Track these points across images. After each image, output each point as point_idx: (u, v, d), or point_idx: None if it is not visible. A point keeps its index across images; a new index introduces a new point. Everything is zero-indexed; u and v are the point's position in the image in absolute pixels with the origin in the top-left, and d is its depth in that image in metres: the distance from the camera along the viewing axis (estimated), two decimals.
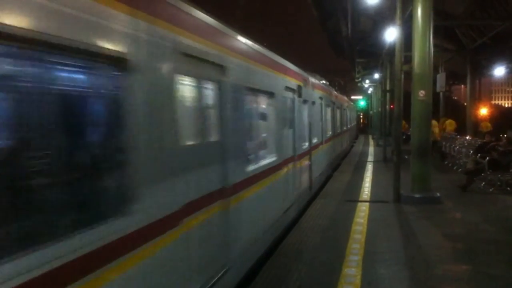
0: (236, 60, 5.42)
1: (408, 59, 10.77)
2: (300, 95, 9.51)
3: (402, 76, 11.07)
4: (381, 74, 28.63)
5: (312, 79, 11.96)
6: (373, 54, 27.83)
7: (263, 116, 7.34)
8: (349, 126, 27.75)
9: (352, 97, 51.88)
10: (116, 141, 3.05)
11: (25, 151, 2.39)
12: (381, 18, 18.98)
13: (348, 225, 8.21)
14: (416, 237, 7.50)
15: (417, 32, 10.12)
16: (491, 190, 11.67)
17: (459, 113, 32.33)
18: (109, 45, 2.86)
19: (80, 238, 2.52)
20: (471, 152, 14.22)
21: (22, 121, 2.36)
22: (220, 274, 4.63)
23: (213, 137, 4.80)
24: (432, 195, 10.31)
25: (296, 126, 9.29)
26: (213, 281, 4.44)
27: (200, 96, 4.49)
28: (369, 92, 48.79)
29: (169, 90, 3.70)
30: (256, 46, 6.61)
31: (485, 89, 60.06)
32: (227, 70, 4.99)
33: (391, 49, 15.86)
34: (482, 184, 12.03)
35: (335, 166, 17.34)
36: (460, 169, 14.90)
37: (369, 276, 5.66)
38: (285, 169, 8.09)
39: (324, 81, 16.29)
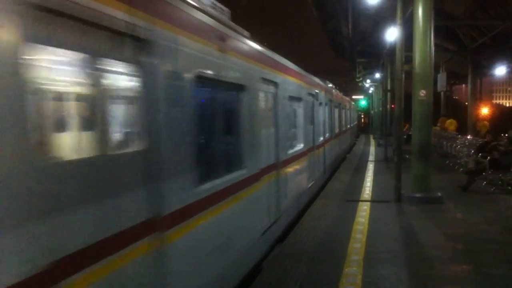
0: (286, 79, 8.30)
1: (409, 59, 10.78)
2: (317, 99, 12.04)
3: (403, 76, 11.07)
4: (382, 74, 28.63)
5: (327, 86, 15.25)
6: (374, 54, 27.82)
7: (297, 116, 9.82)
8: (351, 125, 29.60)
9: (353, 97, 51.86)
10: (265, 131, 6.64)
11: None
12: (381, 18, 18.97)
13: (349, 224, 8.22)
14: (417, 236, 7.51)
15: (418, 32, 10.13)
16: (492, 190, 11.66)
17: (460, 113, 32.31)
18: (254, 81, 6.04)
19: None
20: (472, 151, 14.23)
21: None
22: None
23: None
24: (433, 195, 10.32)
25: (315, 124, 11.76)
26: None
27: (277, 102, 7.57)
28: (370, 92, 48.77)
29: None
30: (296, 67, 9.69)
31: (486, 89, 59.97)
32: (278, 85, 7.68)
33: (392, 49, 15.86)
34: (483, 184, 12.02)
35: (341, 158, 19.55)
36: (461, 169, 14.91)
37: (370, 275, 5.66)
38: (308, 155, 10.65)
39: (332, 85, 18.25)
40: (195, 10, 4.28)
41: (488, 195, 11.29)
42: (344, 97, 24.84)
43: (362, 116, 60.23)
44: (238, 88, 5.64)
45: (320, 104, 12.92)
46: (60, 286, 2.37)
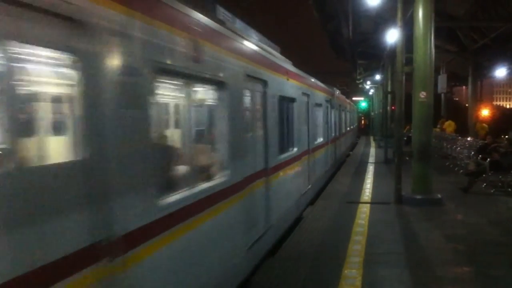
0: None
1: (409, 61, 10.77)
2: (331, 103, 14.04)
3: (404, 77, 11.06)
4: (383, 76, 28.61)
5: (336, 92, 17.78)
6: (374, 56, 27.82)
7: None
8: (352, 127, 30.46)
9: (354, 99, 51.86)
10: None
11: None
12: (382, 19, 18.97)
13: (349, 226, 8.20)
14: (417, 238, 7.50)
15: (418, 34, 10.12)
16: (492, 191, 11.65)
17: (460, 114, 32.32)
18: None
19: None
20: (472, 153, 14.21)
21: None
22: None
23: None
24: (433, 196, 10.30)
25: (328, 124, 14.76)
26: None
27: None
28: (370, 93, 48.75)
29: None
30: (315, 81, 11.78)
31: (486, 90, 60.02)
32: (311, 96, 10.36)
33: (393, 51, 15.85)
34: (483, 186, 12.01)
35: (341, 161, 20.85)
36: (461, 171, 14.89)
37: (370, 277, 5.65)
38: (325, 146, 13.95)
39: (339, 91, 20.76)
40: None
41: (489, 196, 11.27)
42: (344, 98, 24.76)
43: (362, 117, 60.18)
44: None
45: (332, 107, 14.75)
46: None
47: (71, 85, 2.65)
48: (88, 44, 2.63)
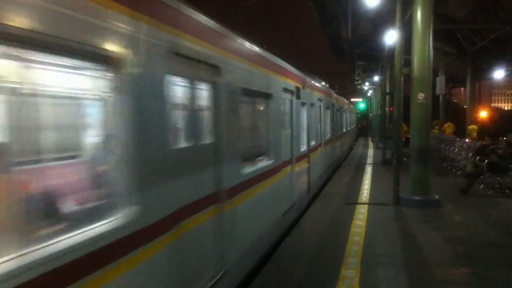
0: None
1: (408, 62, 10.80)
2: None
3: (402, 79, 11.10)
4: (381, 77, 28.67)
5: (339, 98, 20.14)
6: (373, 57, 27.89)
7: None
8: (349, 129, 29.37)
9: (352, 100, 51.94)
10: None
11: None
12: (381, 21, 19.01)
13: (347, 227, 8.22)
14: (416, 239, 7.51)
15: (417, 35, 10.15)
16: (490, 193, 11.67)
17: (459, 116, 32.38)
18: None
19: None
20: (470, 155, 14.24)
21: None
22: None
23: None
24: (431, 198, 10.32)
25: (334, 123, 17.20)
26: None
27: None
28: (368, 94, 48.82)
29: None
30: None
31: (484, 92, 60.08)
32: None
33: (391, 52, 15.91)
34: (481, 187, 12.04)
35: (347, 152, 22.70)
36: (459, 172, 14.92)
37: (368, 278, 5.66)
38: (334, 141, 16.33)
39: (343, 98, 22.65)
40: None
41: (487, 198, 11.30)
42: (341, 98, 24.49)
43: (361, 118, 60.28)
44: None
45: (338, 110, 17.39)
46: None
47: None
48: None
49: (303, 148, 10.30)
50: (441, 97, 27.92)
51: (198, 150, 4.36)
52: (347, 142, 27.13)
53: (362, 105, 57.81)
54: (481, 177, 12.04)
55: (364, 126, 54.49)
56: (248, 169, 5.88)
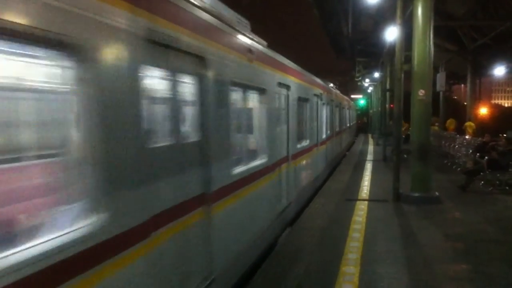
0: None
1: (408, 59, 10.79)
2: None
3: (402, 75, 11.07)
4: (381, 74, 28.63)
5: (339, 94, 20.87)
6: (373, 54, 27.85)
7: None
8: (348, 126, 29.26)
9: (352, 96, 51.89)
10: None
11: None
12: (381, 17, 18.98)
13: (347, 224, 8.23)
14: (415, 236, 7.53)
15: (417, 32, 10.13)
16: (490, 189, 11.68)
17: (459, 113, 32.36)
18: None
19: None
20: (471, 151, 14.25)
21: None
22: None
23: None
24: (431, 194, 10.33)
25: (341, 119, 19.60)
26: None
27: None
28: (369, 91, 48.77)
29: None
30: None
31: (485, 89, 60.02)
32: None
33: (392, 49, 15.87)
34: (481, 184, 12.04)
35: (350, 145, 23.92)
36: (459, 169, 14.92)
37: (368, 275, 5.67)
38: (340, 134, 18.90)
39: (345, 96, 23.61)
40: None
41: (486, 195, 11.31)
42: (340, 93, 24.29)
43: (361, 115, 60.27)
44: None
45: (343, 108, 18.49)
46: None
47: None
48: None
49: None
50: (441, 94, 27.90)
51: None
52: (347, 139, 26.80)
53: (362, 102, 57.80)
54: (481, 173, 12.05)
55: (364, 123, 54.48)
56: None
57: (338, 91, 21.82)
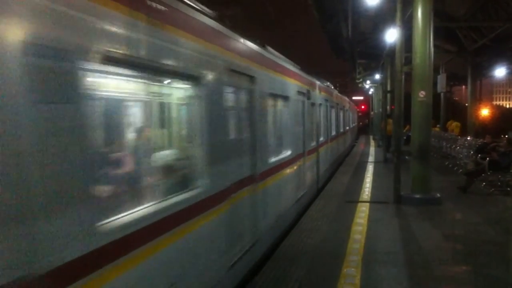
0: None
1: (409, 60, 10.80)
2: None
3: (403, 77, 11.08)
4: (382, 75, 28.62)
5: (347, 100, 23.17)
6: (374, 55, 27.83)
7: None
8: (353, 125, 32.20)
9: (353, 98, 51.91)
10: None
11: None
12: (381, 19, 18.99)
13: (348, 225, 8.23)
14: (416, 238, 7.52)
15: (417, 33, 10.14)
16: (491, 191, 11.67)
17: (460, 114, 32.34)
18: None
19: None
20: (472, 152, 14.24)
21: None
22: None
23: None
24: (432, 196, 10.32)
25: (346, 120, 21.91)
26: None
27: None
28: (370, 92, 48.78)
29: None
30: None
31: (486, 90, 60.07)
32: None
33: (392, 50, 15.89)
34: (482, 185, 12.03)
35: (349, 151, 23.74)
36: (460, 170, 14.91)
37: (369, 276, 5.67)
38: (346, 132, 22.49)
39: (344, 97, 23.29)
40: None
41: (487, 196, 11.30)
42: (348, 100, 24.38)
43: (362, 116, 60.31)
44: None
45: (346, 110, 20.70)
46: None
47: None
48: None
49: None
50: (442, 95, 27.90)
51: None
52: (350, 138, 27.60)
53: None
54: (482, 175, 12.04)
55: (365, 124, 54.48)
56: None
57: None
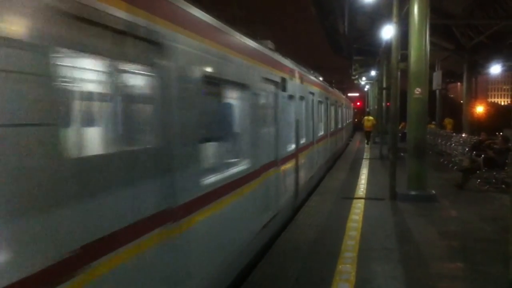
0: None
1: (404, 57, 10.80)
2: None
3: (399, 74, 11.07)
4: (378, 72, 28.66)
5: (335, 91, 21.43)
6: (370, 52, 27.87)
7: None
8: (348, 122, 31.51)
9: (349, 94, 51.98)
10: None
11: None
12: (378, 16, 18.99)
13: (343, 222, 8.23)
14: (412, 234, 7.53)
15: (414, 30, 10.14)
16: (486, 188, 11.71)
17: (456, 111, 32.45)
18: None
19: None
20: (467, 150, 14.28)
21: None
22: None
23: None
24: (427, 193, 10.35)
25: (344, 115, 22.16)
26: None
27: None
28: (366, 89, 48.84)
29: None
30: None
31: (481, 87, 60.30)
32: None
33: (388, 47, 15.89)
34: (477, 182, 12.07)
35: (344, 147, 23.70)
36: (455, 167, 14.96)
37: (364, 273, 5.67)
38: (340, 131, 20.99)
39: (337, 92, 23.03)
40: None
41: (483, 193, 11.34)
42: (344, 97, 23.89)
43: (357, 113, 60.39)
44: None
45: (347, 109, 20.22)
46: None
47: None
48: None
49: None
50: (437, 92, 27.98)
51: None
52: (343, 137, 25.20)
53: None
54: (478, 172, 12.08)
55: (361, 121, 54.59)
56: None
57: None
